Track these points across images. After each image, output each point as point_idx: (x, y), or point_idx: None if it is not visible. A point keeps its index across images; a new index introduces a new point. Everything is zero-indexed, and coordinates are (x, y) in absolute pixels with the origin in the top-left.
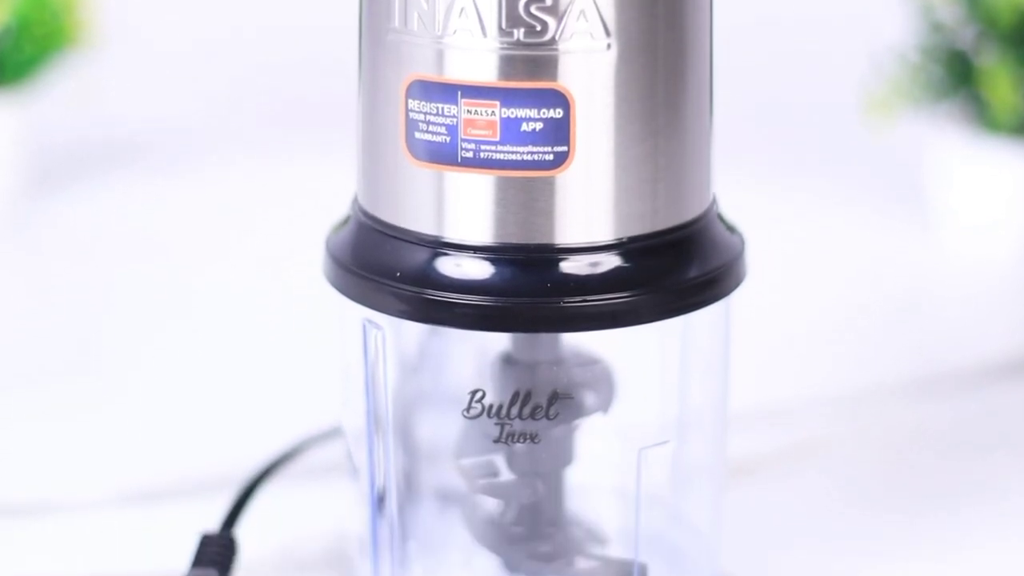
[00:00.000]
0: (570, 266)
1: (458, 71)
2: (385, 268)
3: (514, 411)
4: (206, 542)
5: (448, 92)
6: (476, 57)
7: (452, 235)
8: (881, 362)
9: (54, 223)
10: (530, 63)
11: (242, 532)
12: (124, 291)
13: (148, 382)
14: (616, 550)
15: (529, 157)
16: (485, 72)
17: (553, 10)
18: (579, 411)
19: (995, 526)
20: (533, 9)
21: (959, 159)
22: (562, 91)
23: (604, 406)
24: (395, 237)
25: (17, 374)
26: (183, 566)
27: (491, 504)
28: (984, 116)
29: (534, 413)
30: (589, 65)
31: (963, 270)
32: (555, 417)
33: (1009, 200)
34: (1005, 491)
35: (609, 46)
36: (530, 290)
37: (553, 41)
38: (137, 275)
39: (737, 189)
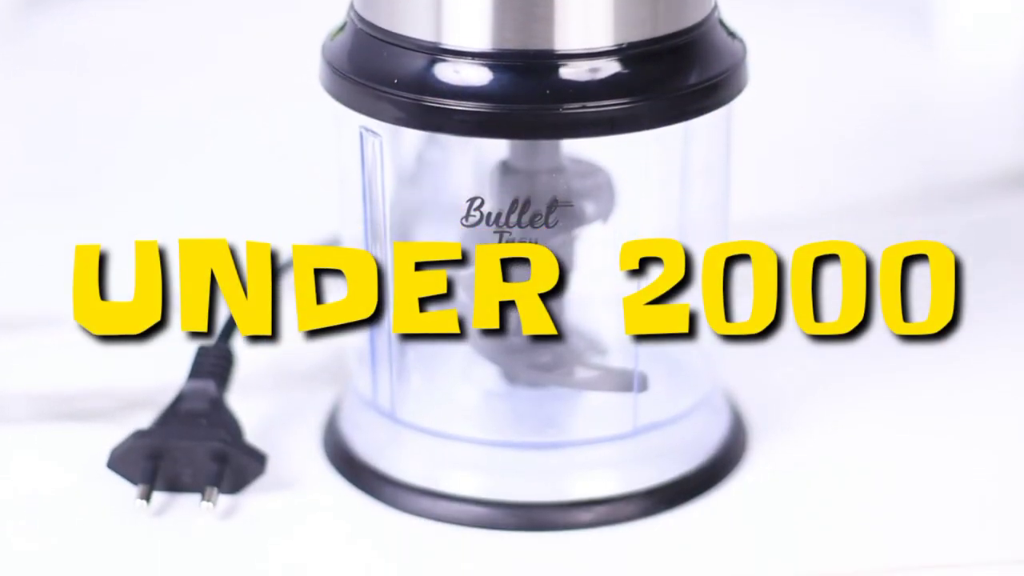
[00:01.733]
0: (569, 72)
1: None
2: (382, 75)
3: (513, 219)
4: (203, 353)
5: None
6: None
7: (450, 41)
8: (883, 172)
9: (51, 38)
10: None
11: (239, 343)
12: (122, 107)
13: (146, 196)
14: (616, 360)
15: None
16: None
17: None
18: (579, 219)
19: (997, 333)
20: None
21: None
22: None
23: (604, 215)
24: (392, 43)
25: (16, 191)
26: (180, 378)
27: None
28: None
29: (533, 221)
30: None
31: (965, 81)
32: (554, 225)
33: (1010, 10)
34: (1004, 298)
35: None
36: (529, 96)
37: None
38: (134, 90)
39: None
